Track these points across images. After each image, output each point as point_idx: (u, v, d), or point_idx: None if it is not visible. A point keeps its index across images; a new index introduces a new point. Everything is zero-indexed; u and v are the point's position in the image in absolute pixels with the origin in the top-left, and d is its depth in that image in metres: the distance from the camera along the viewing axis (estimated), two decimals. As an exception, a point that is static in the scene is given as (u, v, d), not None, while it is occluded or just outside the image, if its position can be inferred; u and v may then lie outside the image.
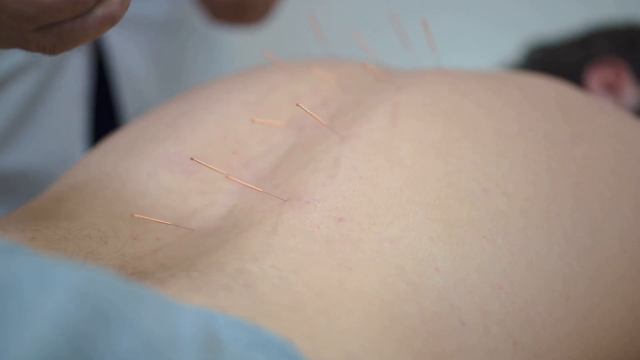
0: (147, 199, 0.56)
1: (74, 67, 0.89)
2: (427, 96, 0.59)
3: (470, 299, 0.47)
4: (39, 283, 0.33)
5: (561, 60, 1.08)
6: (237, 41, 1.17)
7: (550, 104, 0.62)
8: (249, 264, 0.45)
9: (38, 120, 0.89)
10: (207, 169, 0.55)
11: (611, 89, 1.03)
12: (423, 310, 0.45)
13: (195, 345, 0.35)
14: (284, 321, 0.41)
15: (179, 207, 0.55)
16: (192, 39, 1.02)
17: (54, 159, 0.89)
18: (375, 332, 0.42)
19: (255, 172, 0.57)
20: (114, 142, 0.65)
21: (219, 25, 0.92)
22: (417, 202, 0.50)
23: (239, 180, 0.54)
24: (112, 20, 0.52)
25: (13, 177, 0.88)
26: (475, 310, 0.47)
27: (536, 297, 0.49)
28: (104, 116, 0.94)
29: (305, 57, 0.73)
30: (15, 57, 0.86)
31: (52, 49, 0.54)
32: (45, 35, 0.53)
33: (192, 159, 0.54)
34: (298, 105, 0.53)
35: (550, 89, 0.65)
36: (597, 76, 1.03)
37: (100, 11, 0.51)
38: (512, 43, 1.22)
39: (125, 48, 0.92)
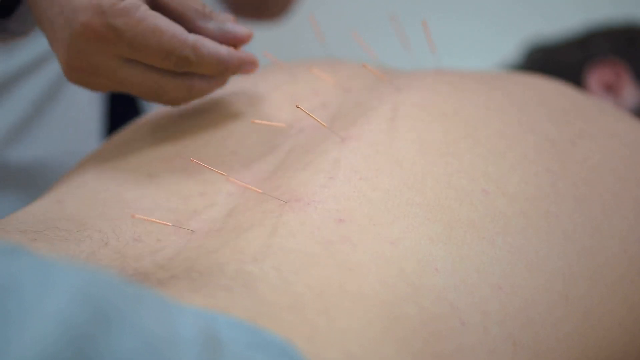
0: (148, 200, 0.56)
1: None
2: (427, 97, 0.59)
3: (470, 299, 0.47)
4: (39, 284, 0.33)
5: (561, 60, 1.08)
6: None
7: (550, 105, 0.62)
8: (249, 265, 0.45)
9: (55, 114, 0.90)
10: (208, 170, 0.56)
11: (611, 89, 1.03)
12: (423, 311, 0.45)
13: (195, 345, 0.35)
14: (284, 322, 0.41)
15: (179, 208, 0.55)
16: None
17: (72, 152, 0.89)
18: (375, 332, 0.42)
19: (255, 173, 0.57)
20: (115, 142, 0.65)
21: (240, 20, 0.92)
22: (417, 203, 0.50)
23: (239, 182, 0.54)
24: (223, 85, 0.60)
25: (31, 170, 0.89)
26: (475, 310, 0.46)
27: (536, 297, 0.49)
28: (120, 110, 0.94)
29: (306, 58, 0.73)
30: (33, 51, 0.86)
31: (178, 102, 0.59)
32: (178, 85, 0.56)
33: (192, 160, 0.54)
34: (298, 107, 0.53)
35: (550, 90, 0.65)
36: (596, 76, 1.04)
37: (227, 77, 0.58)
38: (512, 43, 1.22)
39: None
